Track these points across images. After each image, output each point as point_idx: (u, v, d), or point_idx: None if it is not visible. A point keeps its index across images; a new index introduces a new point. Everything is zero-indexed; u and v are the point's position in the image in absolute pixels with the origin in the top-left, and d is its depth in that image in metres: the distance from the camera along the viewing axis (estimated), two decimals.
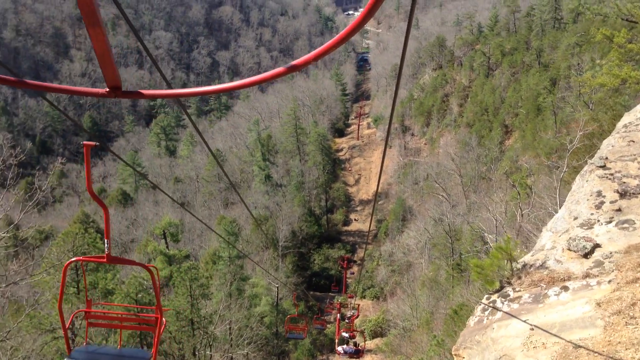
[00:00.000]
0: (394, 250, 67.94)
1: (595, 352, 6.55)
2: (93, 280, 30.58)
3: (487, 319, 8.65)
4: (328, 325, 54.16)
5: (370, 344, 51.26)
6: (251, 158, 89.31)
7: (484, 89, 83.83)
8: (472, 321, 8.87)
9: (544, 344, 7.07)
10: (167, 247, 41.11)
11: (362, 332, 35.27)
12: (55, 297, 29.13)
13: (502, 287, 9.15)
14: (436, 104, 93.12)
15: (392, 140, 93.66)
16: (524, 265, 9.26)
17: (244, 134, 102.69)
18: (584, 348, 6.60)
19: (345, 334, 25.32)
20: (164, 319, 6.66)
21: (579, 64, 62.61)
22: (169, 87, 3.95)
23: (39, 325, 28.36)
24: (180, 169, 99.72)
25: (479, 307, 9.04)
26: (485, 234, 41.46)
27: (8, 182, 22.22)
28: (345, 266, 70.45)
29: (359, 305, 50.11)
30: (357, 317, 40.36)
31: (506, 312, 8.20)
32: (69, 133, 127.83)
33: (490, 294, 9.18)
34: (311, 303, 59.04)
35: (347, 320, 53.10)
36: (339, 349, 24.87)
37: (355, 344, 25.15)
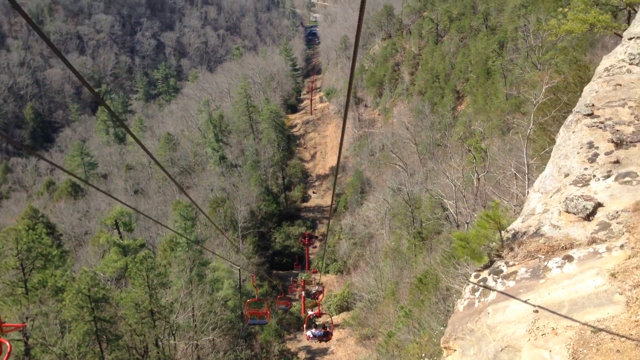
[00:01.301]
0: (355, 223, 67.63)
1: (622, 337, 5.40)
2: (42, 278, 28.79)
3: (479, 301, 7.47)
4: (293, 304, 53.41)
5: (337, 318, 50.83)
6: (204, 140, 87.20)
7: (434, 55, 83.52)
8: (460, 305, 7.61)
9: (554, 329, 6.01)
10: (121, 237, 39.38)
11: (328, 314, 34.51)
12: None
13: (492, 262, 7.98)
14: (387, 73, 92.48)
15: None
16: (515, 234, 8.06)
17: (195, 115, 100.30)
18: (606, 332, 5.46)
19: (310, 312, 24.47)
20: (7, 342, 5.04)
21: (525, 25, 62.79)
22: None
23: None
24: (131, 155, 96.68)
25: (468, 288, 7.88)
26: (445, 200, 41.11)
27: None
28: (306, 242, 69.65)
29: (323, 287, 49.50)
30: (322, 295, 39.58)
31: (501, 292, 7.08)
32: (10, 126, 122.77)
33: (479, 270, 8.04)
34: (275, 283, 58.13)
35: (312, 297, 52.44)
36: (308, 333, 23.95)
37: (323, 327, 24.32)
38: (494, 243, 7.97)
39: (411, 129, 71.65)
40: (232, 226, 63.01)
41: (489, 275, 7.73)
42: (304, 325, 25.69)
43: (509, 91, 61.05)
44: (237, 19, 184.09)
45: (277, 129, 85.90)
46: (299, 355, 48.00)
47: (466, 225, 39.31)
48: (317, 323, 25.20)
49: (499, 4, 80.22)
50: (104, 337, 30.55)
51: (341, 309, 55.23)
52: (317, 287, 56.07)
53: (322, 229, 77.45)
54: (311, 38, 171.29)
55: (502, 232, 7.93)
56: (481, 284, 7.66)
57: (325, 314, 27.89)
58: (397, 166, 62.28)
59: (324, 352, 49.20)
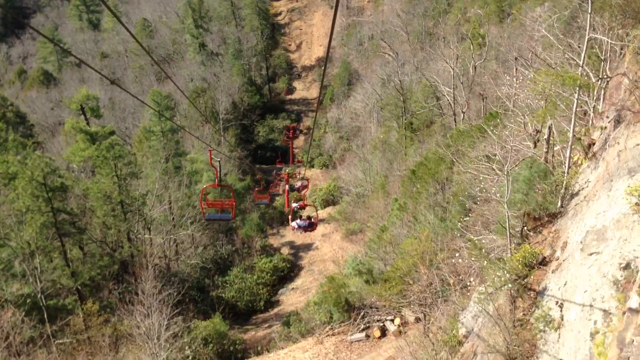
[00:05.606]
0: (341, 116, 64.97)
1: None
2: None
3: None
4: (276, 198, 51.33)
5: (322, 213, 48.96)
6: (182, 26, 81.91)
7: None
8: None
9: None
10: (88, 123, 36.16)
11: (313, 205, 32.57)
12: None
13: None
14: None
15: None
16: None
17: (173, 0, 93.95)
18: None
19: (295, 204, 22.40)
20: None
21: None
22: None
23: None
24: (106, 43, 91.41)
25: None
26: (442, 87, 38.15)
27: None
28: (291, 136, 66.76)
29: (308, 180, 47.27)
30: (307, 189, 37.53)
31: None
32: None
33: None
34: (258, 177, 55.78)
35: (296, 191, 50.31)
36: (293, 223, 22.15)
37: (308, 217, 22.38)
38: None
39: (403, 16, 67.47)
40: (213, 118, 59.89)
41: None
42: (289, 217, 23.84)
43: None
44: None
45: (261, 15, 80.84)
46: (282, 251, 46.37)
47: (462, 115, 36.64)
48: (301, 215, 23.08)
49: None
50: (66, 230, 27.93)
51: (327, 203, 53.37)
52: (301, 181, 53.88)
53: (306, 122, 74.42)
54: None
55: None
56: None
57: (310, 205, 26.01)
58: (387, 56, 58.54)
59: (308, 247, 47.60)
